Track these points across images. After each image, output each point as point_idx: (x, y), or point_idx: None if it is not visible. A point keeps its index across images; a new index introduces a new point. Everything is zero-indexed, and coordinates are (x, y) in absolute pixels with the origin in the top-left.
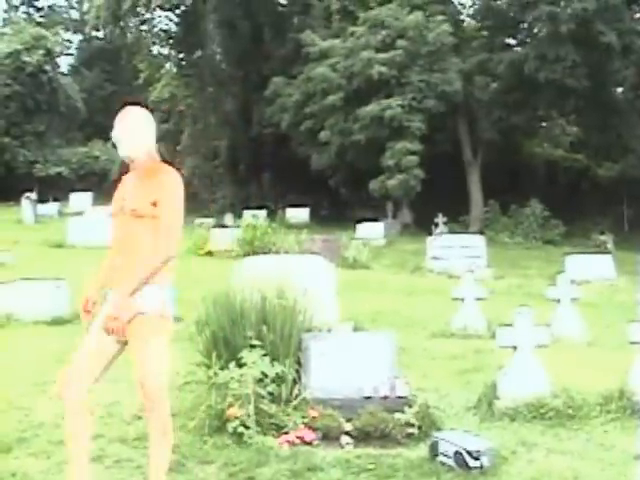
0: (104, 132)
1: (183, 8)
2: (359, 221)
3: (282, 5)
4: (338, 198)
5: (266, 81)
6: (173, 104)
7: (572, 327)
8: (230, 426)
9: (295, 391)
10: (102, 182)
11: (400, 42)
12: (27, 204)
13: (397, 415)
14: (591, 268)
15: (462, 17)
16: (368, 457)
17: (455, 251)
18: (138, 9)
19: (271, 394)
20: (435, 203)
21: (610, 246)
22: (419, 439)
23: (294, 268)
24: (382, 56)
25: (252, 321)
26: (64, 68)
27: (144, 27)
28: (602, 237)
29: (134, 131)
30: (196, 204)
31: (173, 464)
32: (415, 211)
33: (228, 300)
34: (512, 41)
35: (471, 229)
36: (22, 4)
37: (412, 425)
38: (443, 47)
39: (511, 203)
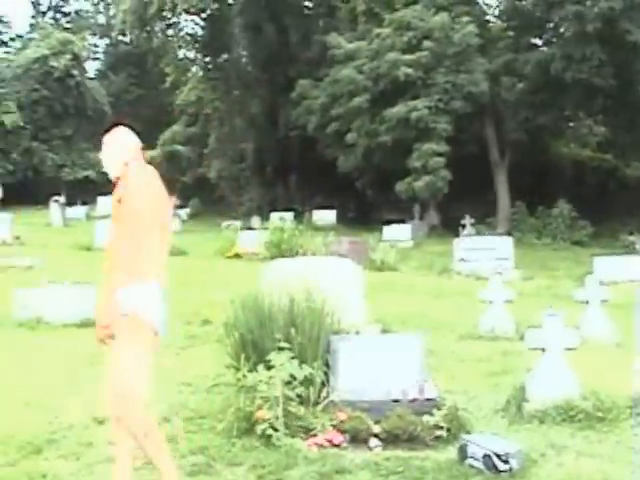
0: None
1: (209, 12)
2: (386, 223)
3: (308, 7)
4: (365, 200)
5: (292, 83)
6: (199, 107)
7: (601, 329)
8: (259, 428)
9: (323, 393)
10: None
11: (426, 43)
12: (55, 207)
13: (425, 417)
14: (620, 269)
15: (488, 18)
16: (397, 460)
17: (482, 253)
18: (164, 13)
19: (299, 396)
20: (462, 204)
21: (639, 247)
22: (447, 442)
23: (322, 270)
24: (408, 57)
25: (280, 323)
26: (91, 73)
27: (170, 31)
28: (631, 237)
29: (110, 156)
30: (223, 207)
31: (202, 466)
32: (442, 212)
33: (256, 302)
34: (538, 41)
35: (498, 230)
36: (49, 10)
37: (441, 428)
38: (469, 48)
39: (538, 204)
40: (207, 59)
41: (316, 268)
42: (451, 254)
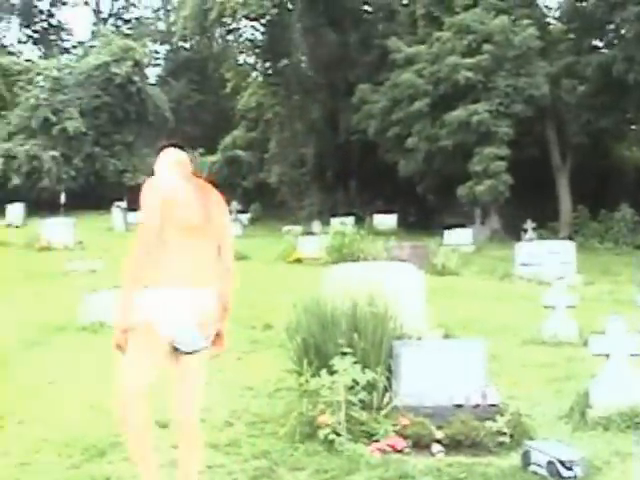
0: (192, 141)
1: (268, 17)
2: (447, 227)
3: (367, 12)
4: (425, 204)
5: (352, 88)
6: (260, 112)
7: None
8: (321, 433)
9: (386, 399)
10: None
11: (486, 46)
12: (117, 212)
13: (488, 423)
14: None
15: (548, 20)
16: (459, 465)
17: (544, 257)
18: (224, 19)
19: (362, 401)
20: (523, 209)
21: None
22: (511, 448)
23: (384, 275)
24: (468, 61)
25: (343, 328)
26: (152, 79)
27: (230, 37)
28: None
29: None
30: (284, 211)
31: (264, 470)
32: (503, 217)
33: (319, 307)
34: (599, 43)
35: (560, 235)
36: (110, 17)
37: (504, 434)
38: (529, 51)
39: (601, 208)
40: (267, 64)
41: (378, 273)
42: (512, 258)
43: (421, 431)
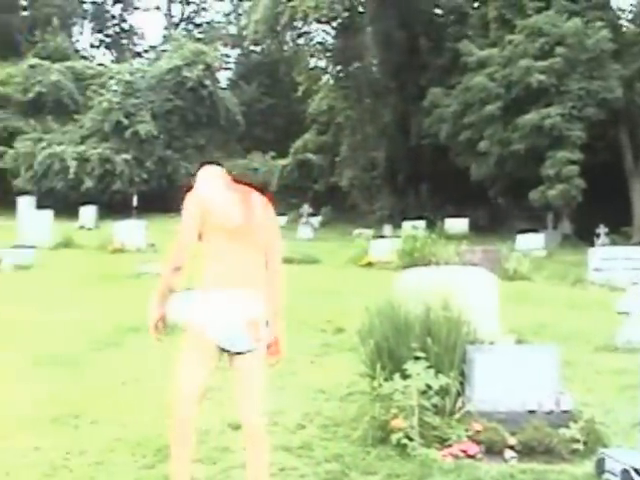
0: (263, 144)
1: (340, 21)
2: (519, 232)
3: (438, 15)
4: (497, 208)
5: (423, 91)
6: (331, 116)
7: None
8: (394, 437)
9: (458, 404)
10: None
11: (559, 49)
12: None
13: (562, 430)
14: None
15: (621, 22)
16: (532, 472)
17: (618, 263)
18: (295, 23)
19: (435, 406)
20: (596, 213)
21: None
22: (584, 455)
23: (456, 279)
24: (541, 64)
25: (416, 332)
26: (223, 82)
27: (301, 40)
28: None
29: None
30: (355, 215)
31: (336, 474)
32: (575, 222)
33: (392, 310)
34: None
35: (633, 240)
36: (182, 21)
37: (577, 441)
38: (603, 53)
39: None
40: (338, 68)
41: (450, 277)
42: (585, 264)
43: (494, 437)
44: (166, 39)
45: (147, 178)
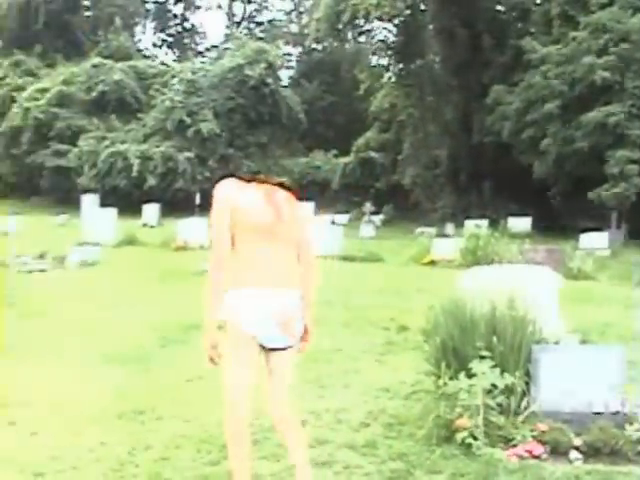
0: (325, 143)
1: (401, 18)
2: (582, 231)
3: (500, 12)
4: (560, 207)
5: (486, 89)
6: (393, 114)
7: None
8: (459, 437)
9: (524, 403)
10: (323, 192)
11: (623, 46)
12: None
13: (628, 431)
14: None
15: None
16: (598, 473)
17: None
18: (357, 21)
19: (500, 406)
20: None
21: None
22: None
23: (521, 278)
24: (605, 60)
25: (481, 331)
26: (285, 81)
27: (363, 38)
28: None
29: None
30: (417, 213)
31: (401, 472)
32: (630, 221)
33: (457, 309)
34: None
35: None
36: (243, 20)
37: None
38: None
39: None
40: (400, 65)
41: (515, 276)
42: None
43: (559, 437)
44: (228, 38)
45: (209, 176)
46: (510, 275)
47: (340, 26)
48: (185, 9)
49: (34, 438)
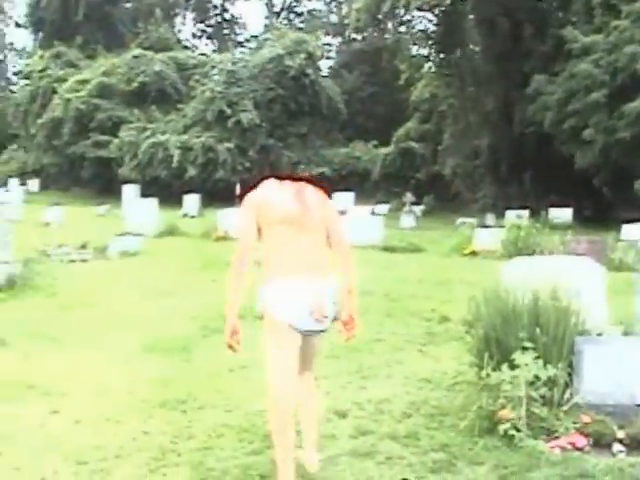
0: (365, 133)
1: (442, 8)
2: (625, 222)
3: (541, 1)
4: (602, 198)
5: (527, 79)
6: (433, 104)
7: None
8: (501, 428)
9: (566, 395)
10: (364, 182)
11: None
12: None
13: None
14: None
15: None
16: None
17: None
18: (397, 11)
19: (542, 397)
20: None
21: None
22: None
23: (563, 269)
24: None
25: (524, 322)
26: (325, 71)
27: (403, 28)
28: None
29: None
30: (458, 204)
31: (443, 463)
32: None
33: (500, 300)
34: None
35: None
36: (283, 10)
37: None
38: None
39: None
40: (441, 55)
41: (558, 266)
42: None
43: (602, 430)
44: (267, 28)
45: (249, 167)
46: (553, 266)
47: (380, 16)
48: (225, 0)
49: (77, 426)
